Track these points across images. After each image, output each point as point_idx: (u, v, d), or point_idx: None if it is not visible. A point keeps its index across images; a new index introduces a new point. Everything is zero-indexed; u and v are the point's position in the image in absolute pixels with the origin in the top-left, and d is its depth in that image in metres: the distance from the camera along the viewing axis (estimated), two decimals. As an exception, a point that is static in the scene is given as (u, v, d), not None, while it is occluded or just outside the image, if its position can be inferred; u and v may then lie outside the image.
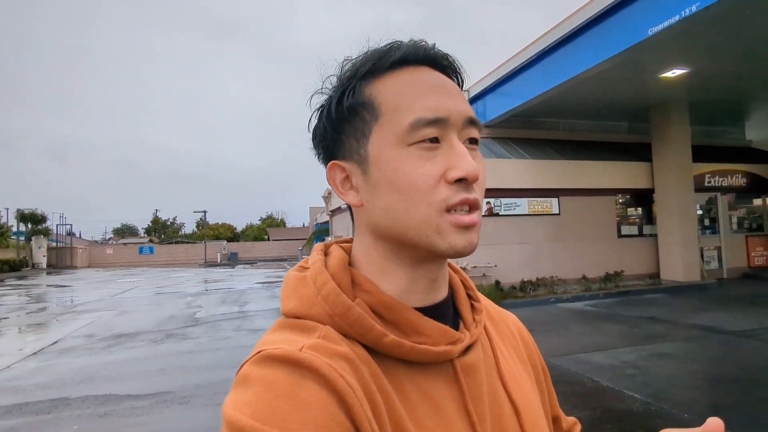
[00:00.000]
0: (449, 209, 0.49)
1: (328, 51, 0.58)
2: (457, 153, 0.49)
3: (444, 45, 0.56)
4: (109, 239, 65.43)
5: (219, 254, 39.66)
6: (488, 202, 11.35)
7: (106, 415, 4.11)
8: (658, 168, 11.96)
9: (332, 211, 17.08)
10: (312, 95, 0.57)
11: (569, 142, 12.61)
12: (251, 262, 36.79)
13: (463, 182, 0.49)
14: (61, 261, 37.03)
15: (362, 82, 0.53)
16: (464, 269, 10.92)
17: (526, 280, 10.84)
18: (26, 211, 35.57)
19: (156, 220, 68.02)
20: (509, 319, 0.70)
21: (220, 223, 63.92)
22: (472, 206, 0.50)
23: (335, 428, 0.41)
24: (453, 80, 0.56)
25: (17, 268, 30.48)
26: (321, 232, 21.09)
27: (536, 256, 11.33)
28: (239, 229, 63.31)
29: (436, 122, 0.49)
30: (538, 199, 11.45)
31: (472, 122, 0.52)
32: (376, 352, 0.49)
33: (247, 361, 0.46)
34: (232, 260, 38.59)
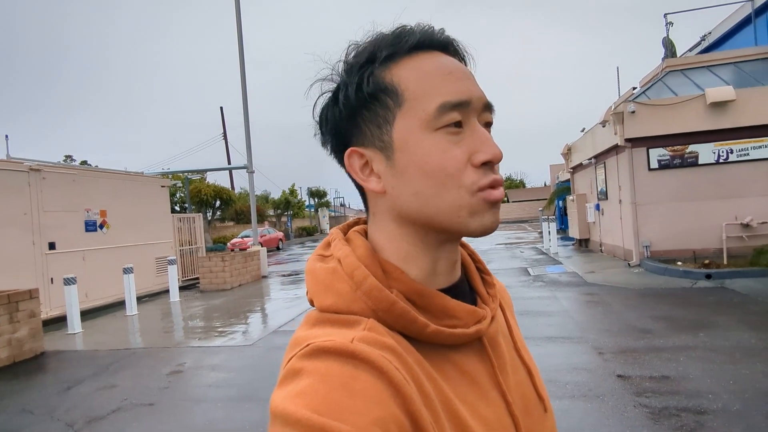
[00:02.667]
0: (479, 190, 0.50)
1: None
2: (481, 136, 0.51)
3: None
4: (371, 208, 76.38)
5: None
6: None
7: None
8: None
9: (573, 168, 16.08)
10: (313, 83, 0.56)
11: None
12: (492, 225, 37.63)
13: (489, 164, 0.51)
14: (339, 227, 45.74)
15: (380, 68, 0.52)
16: (747, 225, 8.95)
17: None
18: (313, 189, 44.98)
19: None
20: (499, 283, 0.71)
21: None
22: (499, 187, 0.52)
23: (390, 420, 0.41)
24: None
25: (311, 233, 39.36)
26: (562, 191, 20.07)
27: None
28: (478, 192, 64.85)
29: (460, 105, 0.50)
30: None
31: (488, 107, 0.53)
32: (414, 338, 0.50)
33: (295, 355, 0.45)
34: (473, 223, 40.25)
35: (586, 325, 6.01)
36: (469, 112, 0.51)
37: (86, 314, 8.69)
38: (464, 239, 0.60)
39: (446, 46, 0.55)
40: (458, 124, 0.50)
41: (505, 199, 56.48)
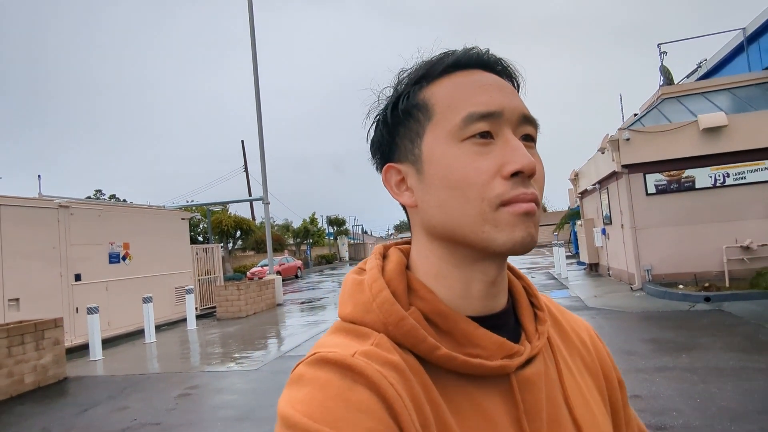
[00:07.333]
0: (505, 204, 0.48)
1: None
2: (512, 147, 0.48)
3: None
4: (390, 235, 76.78)
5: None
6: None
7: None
8: None
9: (581, 193, 16.21)
10: (369, 111, 0.58)
11: None
12: (510, 250, 37.32)
13: (520, 176, 0.48)
14: (357, 254, 46.17)
15: (416, 87, 0.53)
16: (747, 248, 8.96)
17: None
18: (332, 217, 45.75)
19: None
20: (580, 326, 0.66)
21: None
22: (531, 201, 0.49)
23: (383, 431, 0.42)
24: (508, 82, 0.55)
25: (330, 260, 39.90)
26: (572, 215, 20.11)
27: None
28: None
29: (489, 116, 0.49)
30: None
31: (527, 119, 0.51)
32: (428, 361, 0.49)
33: (303, 361, 0.47)
34: (491, 248, 39.93)
35: (576, 349, 6.17)
36: (502, 123, 0.50)
37: (108, 342, 9.21)
38: (520, 270, 0.60)
39: (487, 65, 0.54)
40: (486, 135, 0.49)
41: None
